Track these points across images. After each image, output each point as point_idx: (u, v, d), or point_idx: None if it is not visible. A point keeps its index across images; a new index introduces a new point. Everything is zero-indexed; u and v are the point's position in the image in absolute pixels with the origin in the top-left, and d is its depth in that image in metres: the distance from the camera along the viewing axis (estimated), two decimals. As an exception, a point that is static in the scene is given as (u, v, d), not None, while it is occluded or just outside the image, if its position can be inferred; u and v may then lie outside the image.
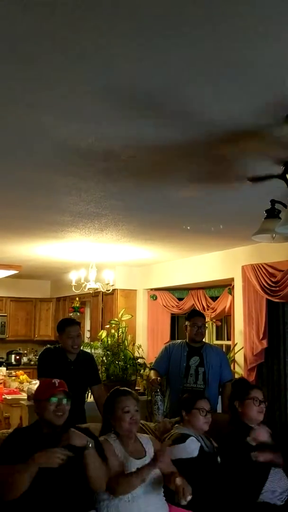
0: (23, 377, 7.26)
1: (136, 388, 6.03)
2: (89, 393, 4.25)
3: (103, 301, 8.02)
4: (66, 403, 2.61)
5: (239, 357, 5.65)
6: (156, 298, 7.59)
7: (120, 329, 6.39)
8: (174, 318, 7.75)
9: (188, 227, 4.20)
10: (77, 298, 7.84)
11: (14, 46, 1.83)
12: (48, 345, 4.33)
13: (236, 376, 5.36)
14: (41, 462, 2.35)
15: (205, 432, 3.19)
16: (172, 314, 7.53)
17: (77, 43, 1.81)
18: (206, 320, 4.70)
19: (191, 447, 3.00)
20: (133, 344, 6.89)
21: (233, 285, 5.91)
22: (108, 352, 6.00)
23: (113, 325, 6.50)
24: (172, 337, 7.49)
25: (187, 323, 4.38)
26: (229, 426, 3.35)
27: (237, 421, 3.32)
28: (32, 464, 2.35)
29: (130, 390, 2.98)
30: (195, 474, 2.82)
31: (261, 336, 5.29)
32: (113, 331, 6.40)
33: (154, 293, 7.62)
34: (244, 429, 3.22)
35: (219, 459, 3.09)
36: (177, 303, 7.29)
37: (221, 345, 6.52)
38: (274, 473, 3.07)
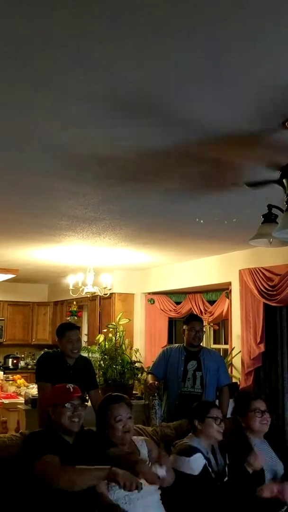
0: (21, 381, 7.24)
1: (134, 392, 6.03)
2: (86, 398, 4.25)
3: (100, 305, 8.02)
4: (81, 408, 2.62)
5: (237, 361, 5.66)
6: (153, 302, 7.59)
7: (118, 333, 6.39)
8: (171, 322, 7.75)
9: (202, 221, 4.20)
10: (74, 302, 7.83)
11: (12, 50, 1.83)
12: (46, 349, 4.33)
13: (234, 380, 5.36)
14: (119, 479, 2.29)
15: (219, 442, 3.08)
16: (169, 318, 7.53)
17: (76, 48, 1.81)
18: (204, 324, 4.70)
19: (196, 464, 2.88)
20: (131, 348, 6.89)
21: (231, 289, 5.92)
22: (106, 356, 5.99)
23: (111, 329, 6.49)
24: (170, 341, 7.49)
25: (185, 327, 4.38)
26: (231, 438, 3.26)
27: (239, 435, 3.22)
28: (109, 474, 2.30)
29: (122, 396, 2.92)
30: (193, 492, 2.77)
31: (258, 340, 5.30)
32: (110, 335, 6.39)
33: (151, 297, 7.62)
34: (244, 447, 3.11)
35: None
36: (175, 307, 7.29)
37: (219, 349, 6.52)
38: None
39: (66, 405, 2.56)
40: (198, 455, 2.91)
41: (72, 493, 2.34)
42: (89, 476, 2.34)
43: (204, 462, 2.91)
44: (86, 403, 2.66)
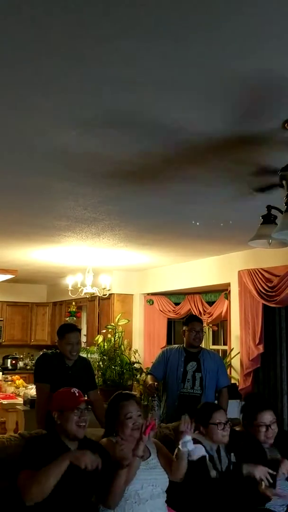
0: (19, 381, 7.23)
1: (133, 393, 6.02)
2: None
3: (99, 305, 8.01)
4: (87, 412, 2.61)
5: (236, 362, 5.66)
6: (152, 303, 7.59)
7: (117, 334, 6.39)
8: (170, 323, 7.75)
9: (198, 223, 4.20)
10: (73, 303, 7.84)
11: (13, 51, 1.83)
12: (45, 350, 4.32)
13: (233, 381, 5.36)
14: (71, 457, 2.36)
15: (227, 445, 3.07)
16: (168, 319, 7.53)
17: (77, 49, 1.81)
18: (203, 325, 4.70)
19: (195, 451, 2.89)
20: (130, 349, 6.89)
21: (230, 290, 5.92)
22: (105, 357, 6.00)
23: (110, 330, 6.50)
24: (169, 342, 7.49)
25: (184, 328, 4.38)
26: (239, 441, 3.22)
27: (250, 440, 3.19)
28: (62, 459, 2.35)
29: (132, 394, 2.98)
30: (188, 477, 2.80)
31: (257, 341, 5.30)
32: (109, 336, 6.40)
33: (150, 298, 7.62)
34: (255, 451, 3.10)
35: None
36: (174, 307, 7.29)
37: (218, 350, 6.53)
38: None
39: (75, 410, 2.54)
40: (200, 446, 2.93)
41: (67, 486, 2.35)
42: (52, 469, 2.33)
43: (204, 453, 2.92)
44: (90, 407, 2.66)
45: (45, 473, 2.32)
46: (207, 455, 2.96)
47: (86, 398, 2.66)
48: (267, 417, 3.14)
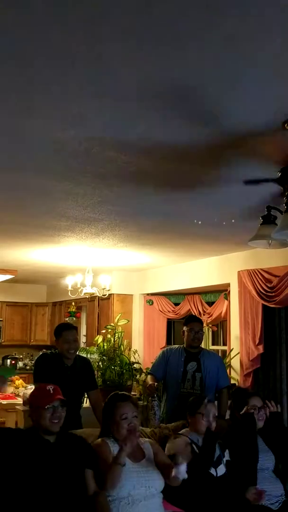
0: (19, 382, 7.23)
1: (132, 393, 6.02)
2: (85, 398, 4.25)
3: (99, 306, 8.01)
4: (61, 409, 2.62)
5: (235, 362, 5.65)
6: (152, 303, 7.59)
7: (116, 334, 6.39)
8: (170, 323, 7.75)
9: (199, 222, 4.20)
10: (73, 303, 7.83)
11: (12, 49, 1.83)
12: (44, 350, 4.33)
13: (232, 381, 5.36)
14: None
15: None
16: (168, 319, 7.52)
17: (76, 47, 1.81)
18: (203, 325, 4.69)
19: (180, 442, 3.03)
20: (129, 349, 6.88)
21: (229, 290, 5.92)
22: (104, 357, 5.99)
23: (109, 330, 6.49)
24: (168, 342, 7.49)
25: (184, 328, 4.38)
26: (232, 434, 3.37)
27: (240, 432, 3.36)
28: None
29: (128, 394, 2.97)
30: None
31: (257, 341, 5.30)
32: (109, 336, 6.39)
33: (150, 298, 7.62)
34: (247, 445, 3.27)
35: (217, 471, 3.05)
36: (173, 308, 7.29)
37: (217, 351, 6.52)
38: (264, 475, 3.13)
39: (46, 407, 2.58)
40: (183, 437, 3.07)
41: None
42: None
43: (187, 441, 3.02)
44: (66, 406, 2.66)
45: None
46: (195, 448, 3.03)
47: (62, 396, 2.66)
48: (258, 401, 3.47)
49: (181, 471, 2.59)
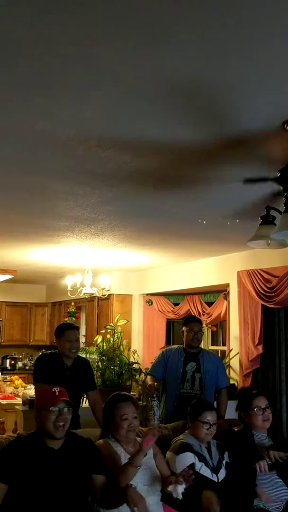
0: (18, 382, 7.23)
1: (132, 393, 6.02)
2: (84, 399, 4.24)
3: (98, 306, 8.01)
4: (67, 412, 2.54)
5: (235, 362, 5.66)
6: (151, 303, 7.59)
7: (116, 334, 6.39)
8: (169, 324, 7.75)
9: (204, 222, 4.20)
10: (72, 303, 7.83)
11: (12, 51, 1.83)
12: (44, 350, 4.33)
13: (232, 381, 5.36)
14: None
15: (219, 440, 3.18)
16: (167, 319, 7.53)
17: (76, 47, 1.81)
18: (202, 326, 4.70)
19: (181, 462, 2.96)
20: (129, 349, 6.88)
21: (229, 291, 5.93)
22: (104, 357, 5.99)
23: (109, 330, 6.49)
24: (168, 342, 7.49)
25: (184, 328, 4.38)
26: (236, 439, 3.34)
27: (246, 437, 3.32)
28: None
29: (129, 395, 2.97)
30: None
31: (256, 341, 5.30)
32: (108, 336, 6.39)
33: (149, 298, 7.62)
34: (250, 450, 3.21)
35: (218, 476, 3.04)
36: (173, 308, 7.29)
37: (217, 351, 6.53)
38: (266, 479, 3.09)
39: (51, 409, 2.50)
40: (186, 454, 2.99)
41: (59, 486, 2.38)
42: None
43: (191, 461, 2.97)
44: (72, 408, 2.60)
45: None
46: (196, 458, 2.99)
47: (68, 398, 2.59)
48: (262, 401, 3.39)
49: (178, 492, 2.58)
